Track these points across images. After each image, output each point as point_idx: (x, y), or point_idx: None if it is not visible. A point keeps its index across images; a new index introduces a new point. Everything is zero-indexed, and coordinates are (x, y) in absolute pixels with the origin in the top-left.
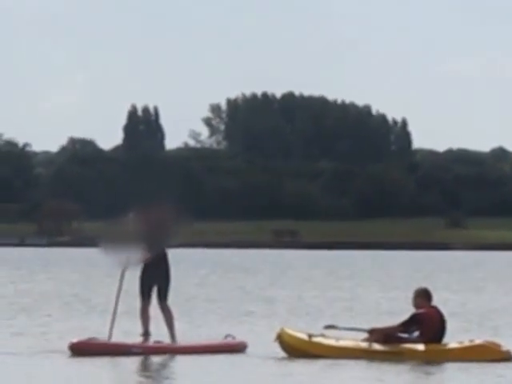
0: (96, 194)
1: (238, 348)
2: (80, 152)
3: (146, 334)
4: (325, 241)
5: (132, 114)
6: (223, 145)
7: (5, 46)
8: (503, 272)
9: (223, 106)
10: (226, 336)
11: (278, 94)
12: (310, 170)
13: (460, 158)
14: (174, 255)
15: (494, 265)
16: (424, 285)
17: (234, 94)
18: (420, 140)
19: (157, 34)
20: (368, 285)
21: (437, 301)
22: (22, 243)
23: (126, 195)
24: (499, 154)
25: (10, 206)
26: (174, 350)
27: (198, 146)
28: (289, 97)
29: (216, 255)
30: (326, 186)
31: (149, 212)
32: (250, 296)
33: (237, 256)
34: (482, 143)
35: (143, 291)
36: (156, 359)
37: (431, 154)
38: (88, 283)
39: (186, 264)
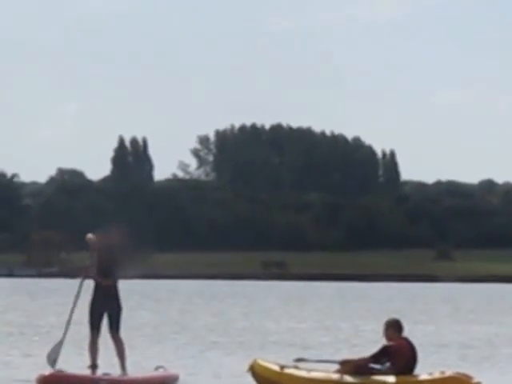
0: (84, 225)
1: (171, 380)
2: (68, 183)
3: (94, 366)
4: (313, 272)
5: (120, 145)
6: (211, 176)
7: None
8: (490, 304)
9: (212, 137)
10: (157, 367)
11: (267, 126)
12: (299, 202)
13: (449, 189)
14: (158, 286)
15: (481, 297)
16: (405, 316)
17: (223, 125)
18: (408, 172)
19: (145, 66)
20: (351, 316)
21: (418, 331)
22: (10, 274)
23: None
24: (488, 185)
25: None
26: (137, 383)
27: (187, 177)
28: (277, 129)
29: (202, 286)
30: (314, 218)
31: (104, 237)
32: (222, 326)
33: (223, 287)
34: (470, 175)
35: (93, 322)
36: None
37: (420, 185)
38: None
39: (169, 295)
